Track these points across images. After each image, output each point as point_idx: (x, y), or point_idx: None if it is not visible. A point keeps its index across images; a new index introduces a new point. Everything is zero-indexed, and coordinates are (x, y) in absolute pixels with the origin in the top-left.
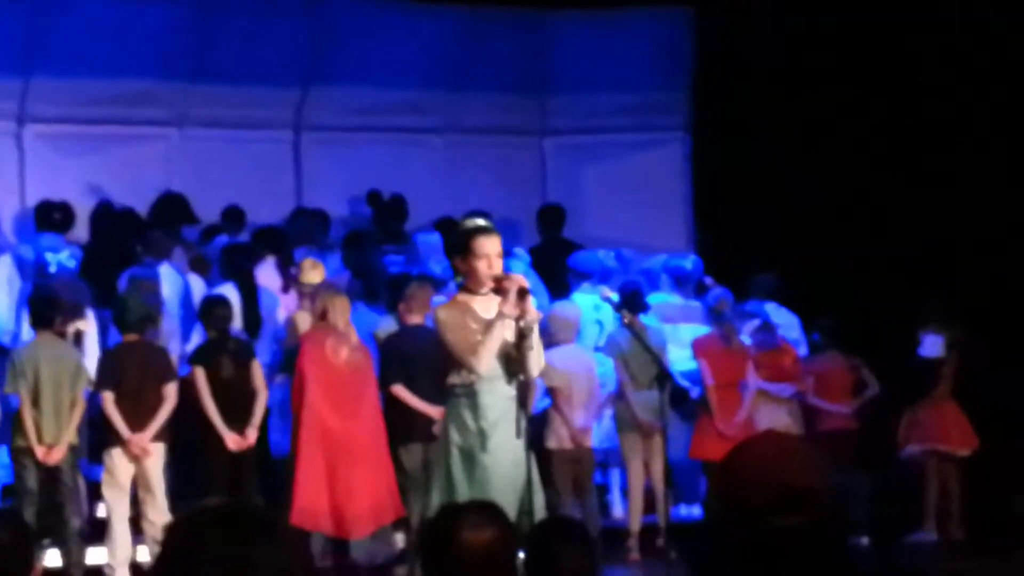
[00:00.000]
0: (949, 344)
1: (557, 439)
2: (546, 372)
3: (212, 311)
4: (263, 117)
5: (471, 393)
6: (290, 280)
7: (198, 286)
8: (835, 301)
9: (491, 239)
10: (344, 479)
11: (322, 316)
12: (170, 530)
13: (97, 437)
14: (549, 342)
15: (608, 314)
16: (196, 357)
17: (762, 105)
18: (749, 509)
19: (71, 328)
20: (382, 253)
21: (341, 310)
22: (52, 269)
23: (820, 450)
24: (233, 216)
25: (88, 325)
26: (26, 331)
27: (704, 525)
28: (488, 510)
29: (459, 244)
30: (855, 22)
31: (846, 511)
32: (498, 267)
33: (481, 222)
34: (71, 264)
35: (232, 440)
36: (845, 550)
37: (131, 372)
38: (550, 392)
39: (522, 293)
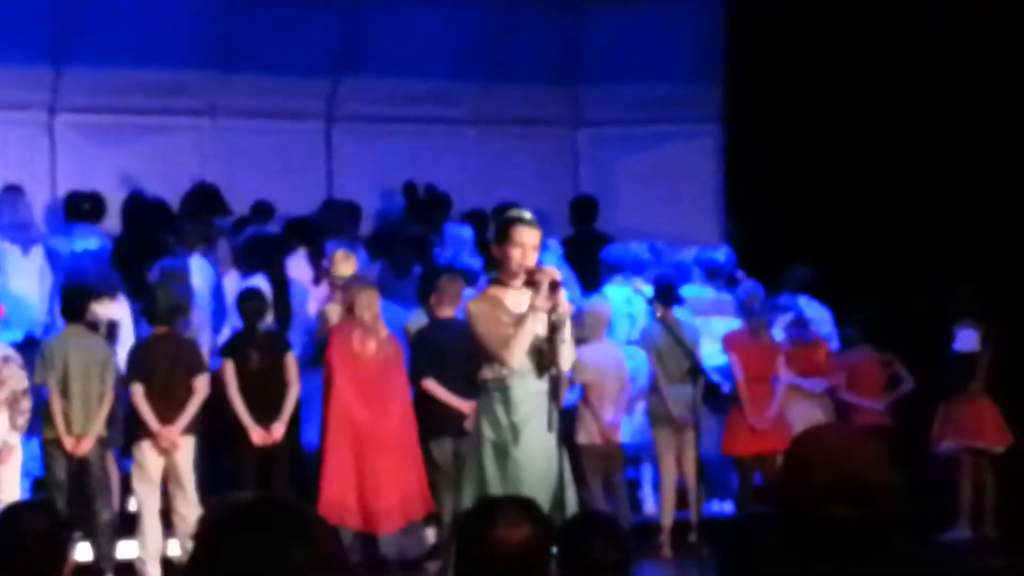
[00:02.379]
0: (983, 339)
1: (587, 434)
2: (576, 368)
3: (245, 304)
4: (295, 107)
5: (503, 387)
6: (321, 272)
7: (232, 282)
8: (868, 295)
9: (530, 230)
10: (373, 473)
11: (349, 309)
12: (203, 524)
13: (128, 430)
14: (580, 338)
15: (640, 307)
16: (226, 349)
17: (795, 97)
18: (807, 494)
19: (99, 308)
20: (420, 245)
21: (368, 303)
22: (78, 249)
23: (886, 449)
24: (261, 209)
25: (122, 315)
26: (59, 322)
27: (736, 520)
28: (523, 506)
29: (498, 231)
30: (889, 10)
31: (901, 510)
32: (533, 259)
33: (526, 214)
34: (93, 245)
35: (257, 434)
36: (892, 547)
37: (160, 365)
38: (581, 387)
39: (554, 286)
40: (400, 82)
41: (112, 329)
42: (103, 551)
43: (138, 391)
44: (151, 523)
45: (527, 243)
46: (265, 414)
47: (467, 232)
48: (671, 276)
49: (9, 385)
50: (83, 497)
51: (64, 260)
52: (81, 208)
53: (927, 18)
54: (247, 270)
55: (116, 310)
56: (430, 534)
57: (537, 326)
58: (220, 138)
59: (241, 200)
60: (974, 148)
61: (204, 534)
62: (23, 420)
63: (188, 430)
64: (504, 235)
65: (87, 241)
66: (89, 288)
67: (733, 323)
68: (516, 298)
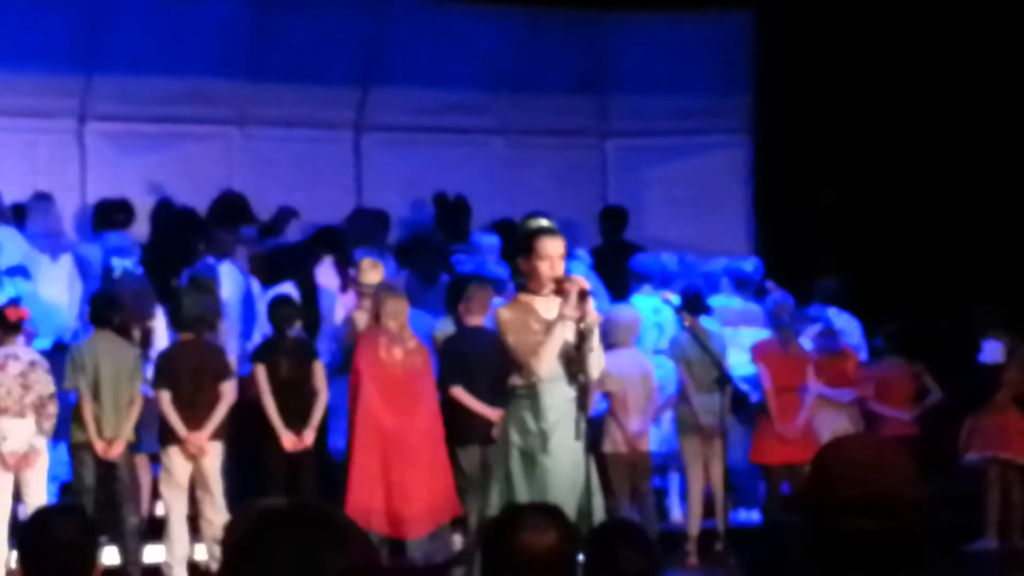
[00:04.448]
0: (1009, 350)
1: (612, 443)
2: (601, 376)
3: (275, 311)
4: (324, 116)
5: (532, 394)
6: (348, 280)
7: (255, 288)
8: (897, 306)
9: (555, 240)
10: (399, 479)
11: (376, 317)
12: (234, 530)
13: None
14: (606, 345)
15: (668, 317)
16: (257, 355)
17: (823, 108)
18: (834, 505)
19: (137, 332)
20: (447, 254)
21: (393, 311)
22: (117, 274)
23: (914, 461)
24: (280, 216)
25: (157, 322)
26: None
27: (764, 529)
28: (550, 512)
29: (523, 243)
30: (917, 22)
31: (928, 524)
32: (560, 269)
33: (545, 223)
34: (137, 271)
35: (289, 440)
36: (919, 561)
37: (186, 371)
38: (606, 396)
39: (583, 295)
40: (428, 92)
41: (147, 335)
42: (130, 555)
43: (165, 397)
44: (178, 528)
45: (554, 254)
46: (294, 420)
47: (493, 240)
48: (698, 286)
49: (36, 390)
50: (111, 501)
51: (97, 272)
52: (111, 216)
53: (958, 32)
54: (276, 278)
55: (149, 322)
56: (457, 540)
57: (566, 334)
58: (248, 147)
59: (269, 209)
60: (1004, 160)
61: (237, 540)
62: (50, 424)
63: (215, 436)
64: (530, 248)
65: (124, 260)
66: (118, 298)
67: (761, 333)
68: (546, 305)
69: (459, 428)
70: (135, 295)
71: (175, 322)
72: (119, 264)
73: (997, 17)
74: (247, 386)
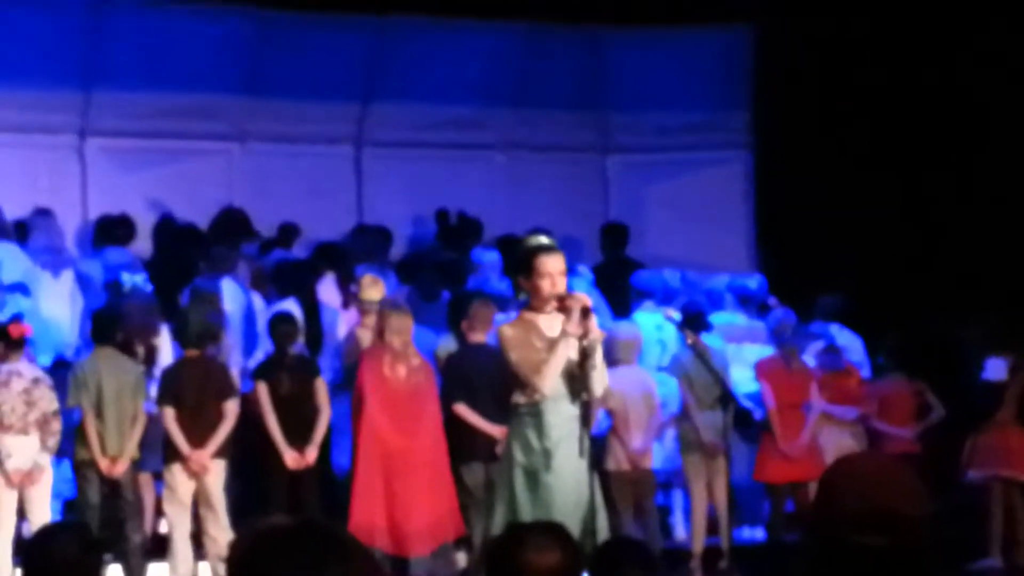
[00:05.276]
0: (1013, 367)
1: (615, 460)
2: (603, 394)
3: (277, 327)
4: (324, 132)
5: (536, 412)
6: (349, 296)
7: (258, 303)
8: (899, 322)
9: (554, 257)
10: (402, 496)
11: (380, 334)
12: (240, 548)
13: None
14: (608, 363)
15: (670, 334)
16: (258, 372)
17: (824, 124)
18: (840, 521)
19: (141, 349)
20: (449, 270)
21: (397, 328)
22: (126, 289)
23: (921, 479)
24: (285, 231)
25: (162, 340)
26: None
27: (767, 547)
28: (554, 531)
29: (522, 262)
30: (917, 38)
31: (934, 541)
32: (562, 286)
33: (544, 240)
34: (147, 287)
35: (291, 458)
36: None
37: (191, 388)
38: (608, 413)
39: (585, 312)
40: (429, 108)
41: (151, 352)
42: (134, 573)
43: (169, 414)
44: (182, 546)
45: (554, 271)
46: (296, 438)
47: (494, 257)
48: (700, 303)
49: (40, 407)
50: (115, 519)
51: (101, 287)
52: (112, 232)
53: (957, 42)
54: (278, 294)
55: (154, 339)
56: (460, 558)
57: (569, 351)
58: (249, 162)
59: (270, 225)
60: (1007, 175)
61: (241, 557)
62: (54, 441)
63: (219, 453)
64: (530, 267)
65: (135, 276)
66: (121, 315)
67: (765, 350)
68: (549, 322)
69: (463, 445)
70: (142, 311)
71: (180, 338)
72: (129, 280)
73: (1004, 30)
74: (249, 403)
